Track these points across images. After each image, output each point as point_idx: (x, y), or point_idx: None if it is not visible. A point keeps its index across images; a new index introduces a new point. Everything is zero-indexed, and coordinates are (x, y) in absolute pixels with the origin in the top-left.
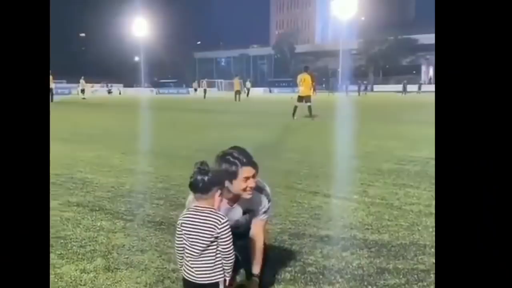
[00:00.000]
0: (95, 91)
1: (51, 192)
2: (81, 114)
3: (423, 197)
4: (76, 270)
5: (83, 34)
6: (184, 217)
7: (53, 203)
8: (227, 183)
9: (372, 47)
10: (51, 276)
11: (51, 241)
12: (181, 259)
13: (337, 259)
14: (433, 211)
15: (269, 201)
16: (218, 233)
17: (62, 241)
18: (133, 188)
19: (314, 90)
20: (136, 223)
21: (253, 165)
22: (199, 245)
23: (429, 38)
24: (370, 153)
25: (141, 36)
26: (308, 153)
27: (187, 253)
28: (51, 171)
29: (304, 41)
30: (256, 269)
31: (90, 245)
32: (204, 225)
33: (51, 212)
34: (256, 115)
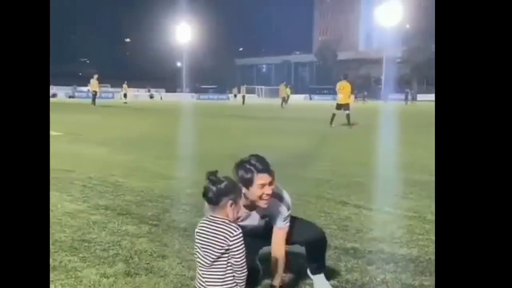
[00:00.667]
0: (137, 95)
1: (82, 195)
2: (120, 118)
3: None
4: (96, 274)
5: (128, 40)
6: (199, 227)
7: (82, 206)
8: (244, 190)
9: (417, 56)
10: (71, 280)
11: (76, 244)
12: None
13: (361, 273)
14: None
15: (288, 209)
16: (230, 245)
17: (86, 244)
18: (162, 193)
19: (356, 97)
20: (160, 228)
21: (269, 172)
22: (210, 256)
23: None
24: (406, 164)
25: (184, 42)
26: (342, 162)
27: (199, 262)
28: (85, 174)
29: (347, 48)
30: (276, 280)
31: (113, 249)
32: (216, 236)
33: (80, 215)
34: (294, 122)
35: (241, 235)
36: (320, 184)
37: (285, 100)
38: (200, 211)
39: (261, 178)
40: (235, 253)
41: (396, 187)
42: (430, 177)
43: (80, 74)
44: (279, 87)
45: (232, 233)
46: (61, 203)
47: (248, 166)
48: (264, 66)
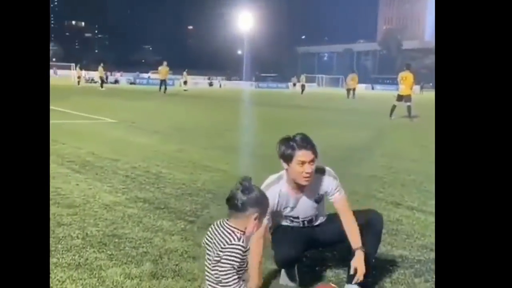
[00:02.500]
0: (197, 83)
1: (123, 186)
2: (176, 105)
3: None
4: (120, 275)
5: (191, 27)
6: (208, 233)
7: (121, 198)
8: (286, 166)
9: None
10: (93, 280)
11: (106, 240)
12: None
13: (407, 285)
14: None
15: (335, 178)
16: (222, 250)
17: (116, 240)
18: (204, 186)
19: (422, 88)
20: (196, 226)
21: (311, 150)
22: (211, 261)
23: None
24: None
25: (246, 30)
26: (398, 158)
27: (206, 274)
28: (130, 164)
29: (412, 38)
30: (356, 242)
31: (143, 247)
32: (218, 240)
33: (116, 208)
34: (352, 112)
35: (237, 250)
36: (372, 181)
37: (353, 90)
38: None
39: (301, 155)
40: (222, 262)
41: None
42: None
43: (143, 61)
44: (350, 76)
45: (230, 241)
46: (100, 194)
47: (290, 143)
48: (326, 54)
